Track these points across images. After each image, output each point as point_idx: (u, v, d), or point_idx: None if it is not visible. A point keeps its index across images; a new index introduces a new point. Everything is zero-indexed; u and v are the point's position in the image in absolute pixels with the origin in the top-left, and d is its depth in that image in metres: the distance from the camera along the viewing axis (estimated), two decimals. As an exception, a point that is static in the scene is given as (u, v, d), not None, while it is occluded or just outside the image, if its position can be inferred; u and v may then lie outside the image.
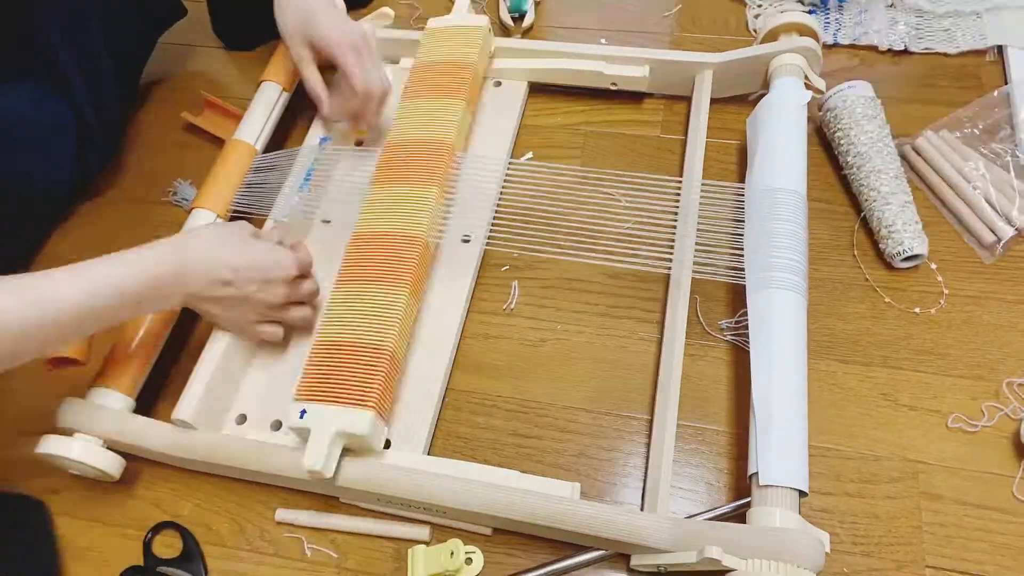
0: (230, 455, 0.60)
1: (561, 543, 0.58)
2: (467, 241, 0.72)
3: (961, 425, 0.62)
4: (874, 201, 0.69)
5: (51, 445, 0.59)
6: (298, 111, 0.87)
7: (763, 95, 0.73)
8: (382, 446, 0.60)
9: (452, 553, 0.56)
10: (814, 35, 0.76)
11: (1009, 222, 0.69)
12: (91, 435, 0.60)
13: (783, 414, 0.56)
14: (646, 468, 0.60)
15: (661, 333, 0.67)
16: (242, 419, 0.65)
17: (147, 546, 0.62)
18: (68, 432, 0.60)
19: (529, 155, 0.80)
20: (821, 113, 0.76)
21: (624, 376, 0.66)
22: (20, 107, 0.73)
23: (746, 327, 0.61)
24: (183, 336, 0.72)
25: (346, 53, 0.71)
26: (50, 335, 0.51)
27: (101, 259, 0.54)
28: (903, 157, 0.74)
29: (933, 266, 0.69)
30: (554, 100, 0.84)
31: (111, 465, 0.61)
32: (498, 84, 0.83)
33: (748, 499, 0.56)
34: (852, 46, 0.86)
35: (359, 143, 0.81)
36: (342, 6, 0.77)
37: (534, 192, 0.68)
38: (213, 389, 0.63)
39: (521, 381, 0.67)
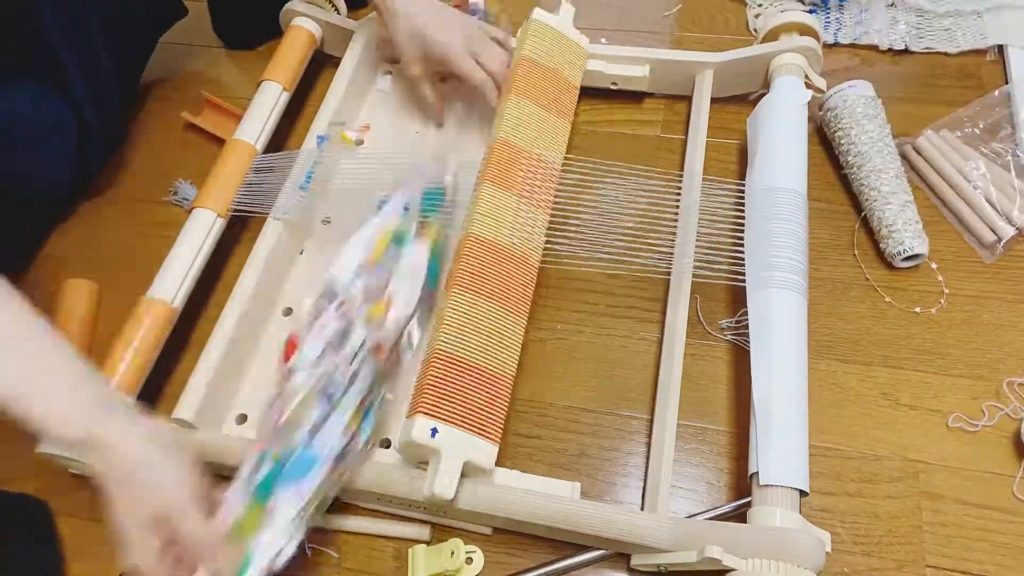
0: (230, 455, 0.60)
1: (561, 543, 0.58)
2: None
3: (961, 425, 0.62)
4: (875, 201, 0.69)
5: (52, 445, 0.59)
6: (298, 111, 0.87)
7: (763, 95, 0.73)
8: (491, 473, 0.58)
9: (452, 553, 0.56)
10: (814, 34, 0.76)
11: (1010, 221, 0.69)
12: (91, 435, 0.60)
13: (783, 414, 0.56)
14: (646, 468, 0.60)
15: (661, 333, 0.67)
16: (242, 419, 0.65)
17: (147, 546, 0.62)
18: (68, 432, 0.60)
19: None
20: (821, 113, 0.76)
21: (624, 376, 0.66)
22: (20, 107, 0.73)
23: (746, 327, 0.61)
24: (183, 336, 0.72)
25: (461, 67, 0.72)
26: None
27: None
28: (904, 157, 0.74)
29: (934, 266, 0.69)
30: (554, 100, 0.84)
31: (111, 465, 0.61)
32: (498, 84, 0.83)
33: (748, 499, 0.56)
34: (852, 45, 0.86)
35: (360, 143, 0.81)
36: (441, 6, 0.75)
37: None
38: (213, 389, 0.63)
39: (521, 381, 0.67)
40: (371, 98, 0.85)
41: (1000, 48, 0.82)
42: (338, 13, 0.89)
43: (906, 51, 0.84)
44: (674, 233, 0.66)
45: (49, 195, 0.79)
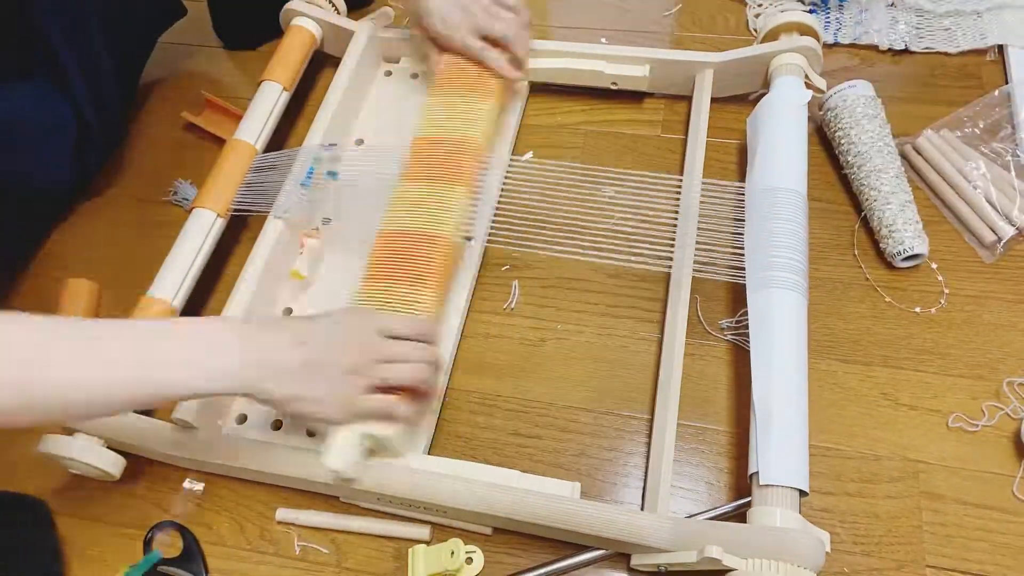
0: (230, 455, 0.60)
1: (561, 543, 0.58)
2: (468, 240, 0.72)
3: (961, 425, 0.62)
4: (875, 200, 0.69)
5: (52, 444, 0.59)
6: (298, 111, 0.87)
7: (763, 94, 0.73)
8: (406, 451, 0.58)
9: (452, 553, 0.56)
10: (814, 34, 0.76)
11: (1010, 221, 0.69)
12: (92, 434, 0.60)
13: (783, 413, 0.56)
14: (646, 468, 0.60)
15: (661, 333, 0.67)
16: (242, 419, 0.65)
17: (147, 545, 0.62)
18: (69, 431, 0.60)
19: (529, 154, 0.80)
20: (821, 112, 0.76)
21: (624, 376, 0.66)
22: (20, 107, 0.73)
23: (746, 327, 0.61)
24: (183, 336, 0.71)
25: (455, 37, 0.73)
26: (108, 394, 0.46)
27: (178, 349, 0.48)
28: (904, 156, 0.74)
29: (934, 265, 0.69)
30: (554, 100, 0.84)
31: (112, 464, 0.61)
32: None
33: (748, 499, 0.56)
34: (852, 45, 0.86)
35: (359, 142, 0.81)
36: None
37: (535, 191, 0.68)
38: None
39: (521, 381, 0.67)
40: (371, 98, 0.85)
41: (1000, 48, 0.82)
42: (338, 13, 0.89)
43: (906, 51, 0.84)
44: (674, 233, 0.66)
45: (49, 195, 0.80)
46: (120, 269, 0.77)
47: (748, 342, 0.60)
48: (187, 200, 0.81)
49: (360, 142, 0.81)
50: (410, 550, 0.58)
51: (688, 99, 0.80)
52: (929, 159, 0.73)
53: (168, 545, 0.62)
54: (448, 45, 0.75)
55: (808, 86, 0.73)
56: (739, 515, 0.58)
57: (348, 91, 0.80)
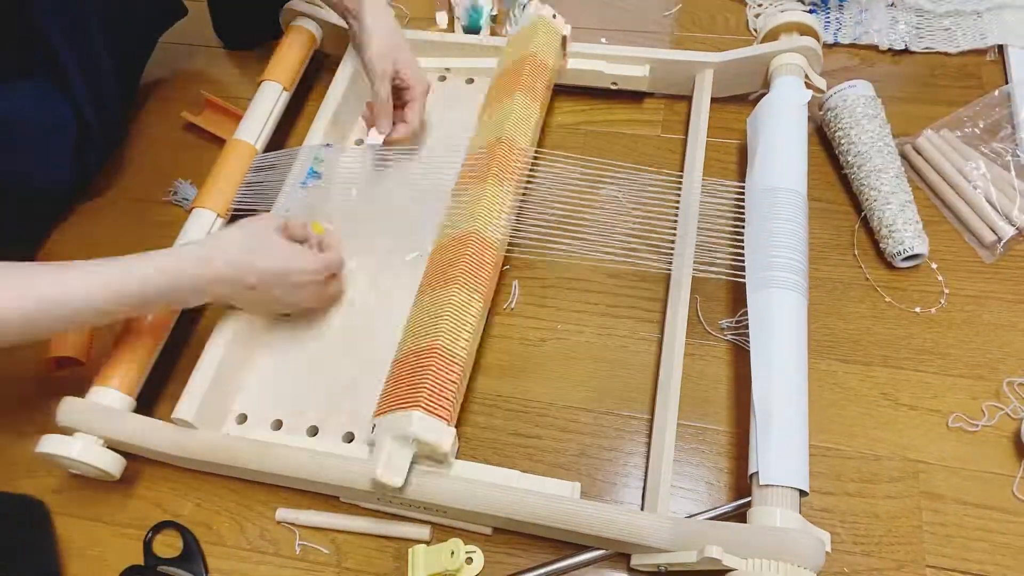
0: (230, 455, 0.60)
1: (561, 543, 0.58)
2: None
3: (961, 425, 0.62)
4: (875, 200, 0.69)
5: (51, 444, 0.59)
6: (298, 111, 0.87)
7: (763, 94, 0.73)
8: (452, 454, 0.57)
9: (452, 553, 0.56)
10: (814, 34, 0.76)
11: (1010, 221, 0.69)
12: (91, 434, 0.60)
13: (783, 413, 0.56)
14: (646, 468, 0.60)
15: (661, 333, 0.67)
16: (242, 419, 0.65)
17: (147, 545, 0.62)
18: (68, 431, 0.60)
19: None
20: (821, 112, 0.76)
21: (624, 376, 0.66)
22: (20, 107, 0.73)
23: (746, 326, 0.61)
24: (183, 336, 0.72)
25: (416, 97, 0.74)
26: (52, 327, 0.54)
27: (121, 260, 0.56)
28: (903, 156, 0.74)
29: (934, 265, 0.69)
30: (554, 100, 0.84)
31: (111, 464, 0.61)
32: (498, 84, 0.83)
33: (748, 499, 0.56)
34: (852, 45, 0.86)
35: (359, 142, 0.81)
36: None
37: (534, 191, 0.68)
38: (213, 389, 0.63)
39: (521, 381, 0.67)
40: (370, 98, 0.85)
41: (1000, 48, 0.82)
42: (338, 13, 0.89)
43: (906, 51, 0.84)
44: (674, 233, 0.66)
45: (49, 195, 0.79)
46: (120, 269, 0.77)
47: (748, 342, 0.60)
48: (187, 200, 0.81)
49: (360, 142, 0.81)
50: (410, 550, 0.58)
51: (688, 99, 0.80)
52: (929, 159, 0.74)
53: (168, 545, 0.62)
54: (370, 79, 0.73)
55: (808, 86, 0.73)
56: (739, 515, 0.58)
57: (348, 91, 0.80)
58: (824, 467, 0.61)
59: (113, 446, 0.61)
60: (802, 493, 0.54)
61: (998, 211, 0.69)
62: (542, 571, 0.57)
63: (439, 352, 0.58)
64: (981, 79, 0.81)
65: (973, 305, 0.67)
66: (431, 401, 0.55)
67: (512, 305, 0.71)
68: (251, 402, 0.66)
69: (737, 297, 0.68)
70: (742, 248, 0.64)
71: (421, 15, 0.95)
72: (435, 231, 0.69)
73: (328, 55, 0.90)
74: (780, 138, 0.69)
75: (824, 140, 0.77)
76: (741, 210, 0.67)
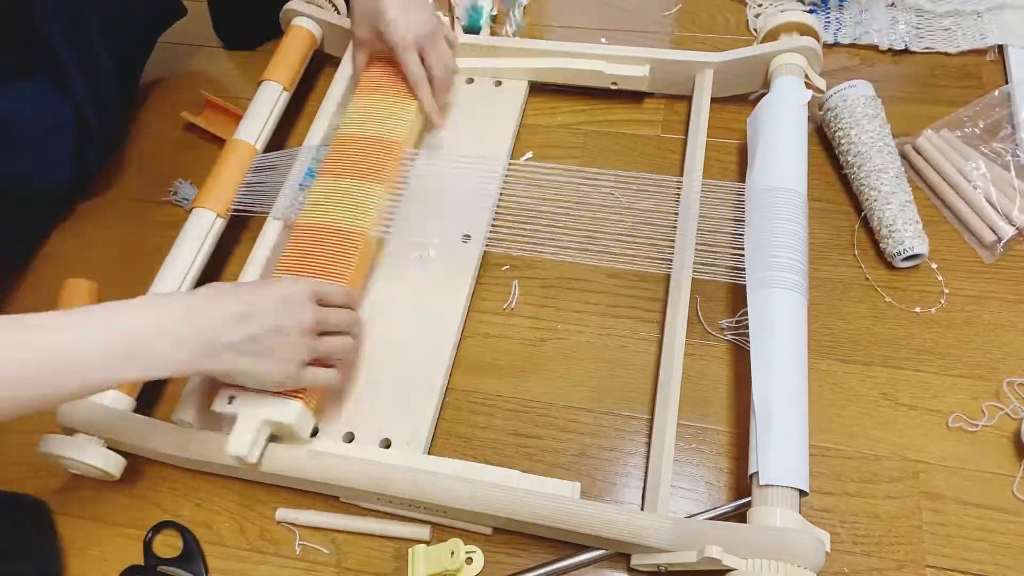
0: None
1: (561, 543, 0.58)
2: (467, 241, 0.72)
3: (961, 425, 0.62)
4: (875, 200, 0.69)
5: (52, 444, 0.59)
6: (298, 111, 0.87)
7: (763, 94, 0.73)
8: (308, 434, 0.60)
9: (452, 553, 0.56)
10: (814, 34, 0.76)
11: (1010, 221, 0.69)
12: (92, 434, 0.60)
13: (783, 413, 0.56)
14: (646, 468, 0.60)
15: (661, 333, 0.67)
16: (242, 419, 0.65)
17: (147, 545, 0.62)
18: (69, 431, 0.60)
19: (529, 155, 0.80)
20: (821, 112, 0.76)
21: (624, 376, 0.66)
22: (20, 107, 0.73)
23: (746, 327, 0.61)
24: (183, 336, 0.71)
25: (403, 52, 0.71)
26: (36, 384, 0.45)
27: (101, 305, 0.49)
28: (903, 156, 0.74)
29: (934, 265, 0.69)
30: (554, 100, 0.84)
31: (112, 464, 0.61)
32: (498, 84, 0.83)
33: (748, 499, 0.56)
34: (852, 45, 0.86)
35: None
36: None
37: (534, 192, 0.68)
38: (213, 389, 0.63)
39: (521, 381, 0.67)
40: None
41: (1000, 48, 0.82)
42: (338, 13, 0.89)
43: (906, 51, 0.84)
44: (674, 233, 0.66)
45: (49, 195, 0.79)
46: (120, 269, 0.77)
47: (748, 342, 0.60)
48: (187, 200, 0.81)
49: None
50: (410, 550, 0.58)
51: (688, 99, 0.80)
52: (929, 159, 0.74)
53: (168, 545, 0.62)
54: (391, 53, 0.73)
55: (808, 86, 0.73)
56: (739, 515, 0.58)
57: (348, 91, 0.80)
58: (824, 467, 0.61)
59: (113, 446, 0.61)
60: (802, 493, 0.54)
61: (998, 211, 0.69)
62: (542, 571, 0.57)
63: None
64: (981, 79, 0.81)
65: (973, 305, 0.67)
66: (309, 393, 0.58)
67: (512, 305, 0.71)
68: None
69: (737, 297, 0.68)
70: (742, 248, 0.64)
71: (421, 15, 0.95)
72: (431, 232, 0.69)
73: (328, 55, 0.90)
74: (780, 138, 0.69)
75: (824, 140, 0.77)
76: (741, 210, 0.67)
